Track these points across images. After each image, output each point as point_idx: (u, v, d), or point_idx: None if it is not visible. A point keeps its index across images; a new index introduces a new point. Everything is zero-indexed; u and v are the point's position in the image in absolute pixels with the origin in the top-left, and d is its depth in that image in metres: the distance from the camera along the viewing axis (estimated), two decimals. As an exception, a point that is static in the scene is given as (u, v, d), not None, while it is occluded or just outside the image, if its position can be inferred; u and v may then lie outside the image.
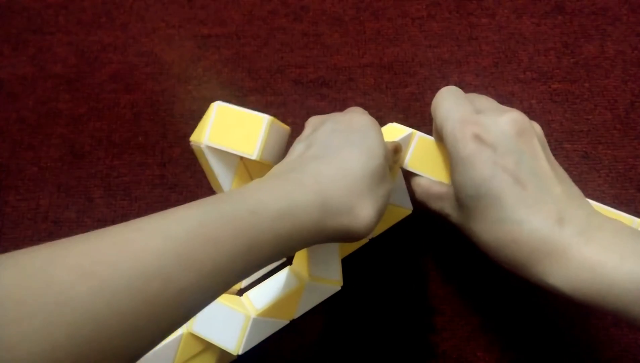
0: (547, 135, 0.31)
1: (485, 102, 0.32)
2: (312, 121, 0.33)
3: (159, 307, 0.18)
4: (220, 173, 0.35)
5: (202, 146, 0.34)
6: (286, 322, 0.33)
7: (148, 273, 0.18)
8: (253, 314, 0.31)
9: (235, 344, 0.31)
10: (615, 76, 0.46)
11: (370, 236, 0.37)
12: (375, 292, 0.40)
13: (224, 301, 0.32)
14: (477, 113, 0.30)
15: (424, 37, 0.48)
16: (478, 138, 0.28)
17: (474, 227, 0.29)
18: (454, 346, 0.39)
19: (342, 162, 0.27)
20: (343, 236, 0.26)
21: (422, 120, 0.45)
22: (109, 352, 0.17)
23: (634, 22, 0.48)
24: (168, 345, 0.32)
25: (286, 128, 0.36)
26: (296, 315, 0.33)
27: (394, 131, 0.35)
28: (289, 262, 0.36)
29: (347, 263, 0.36)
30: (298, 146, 0.30)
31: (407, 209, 0.38)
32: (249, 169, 0.37)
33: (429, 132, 0.35)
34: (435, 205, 0.33)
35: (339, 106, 0.46)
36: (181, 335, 0.32)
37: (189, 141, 0.35)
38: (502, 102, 0.33)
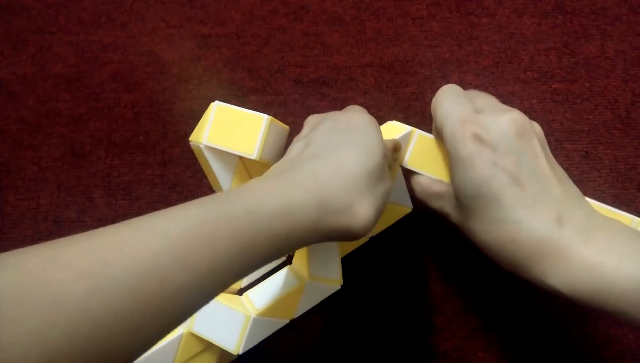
0: (547, 135, 0.31)
1: (486, 100, 0.32)
2: (311, 120, 0.33)
3: (156, 306, 0.18)
4: (219, 173, 0.35)
5: (202, 145, 0.34)
6: (286, 321, 0.33)
7: (145, 272, 0.18)
8: (253, 313, 0.31)
9: (235, 344, 0.31)
10: (615, 75, 0.46)
11: (370, 235, 0.37)
12: (375, 292, 0.40)
13: (224, 300, 0.32)
14: (478, 112, 0.30)
15: (425, 37, 0.48)
16: (478, 138, 0.28)
17: (473, 227, 0.29)
18: (454, 346, 0.39)
19: (340, 161, 0.27)
20: (341, 235, 0.26)
21: (423, 120, 0.45)
22: (106, 352, 0.17)
23: (634, 21, 0.48)
24: (168, 345, 0.32)
25: (285, 128, 0.36)
26: (296, 315, 0.33)
27: (394, 129, 0.35)
28: (289, 261, 0.36)
29: (347, 263, 0.36)
30: (296, 145, 0.30)
31: (407, 207, 0.38)
32: (249, 169, 0.37)
33: (429, 132, 0.35)
34: (435, 204, 0.33)
35: (340, 105, 0.46)
36: (181, 335, 0.32)
37: (189, 141, 0.35)
38: (502, 102, 0.33)
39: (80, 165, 0.44)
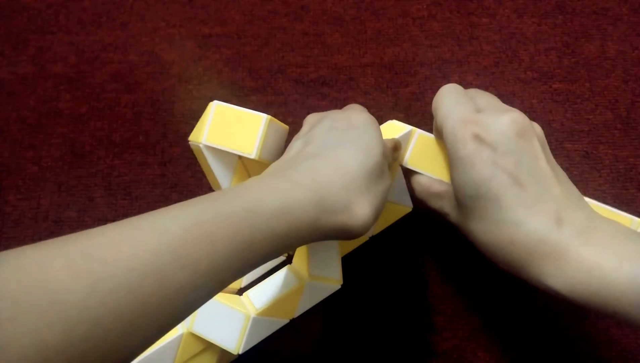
0: (548, 135, 0.31)
1: (487, 98, 0.32)
2: (310, 119, 0.33)
3: (155, 306, 0.18)
4: (219, 172, 0.35)
5: (201, 145, 0.34)
6: (286, 321, 0.33)
7: (143, 271, 0.18)
8: (253, 313, 0.31)
9: (235, 343, 0.31)
10: (616, 75, 0.46)
11: (369, 234, 0.37)
12: (375, 292, 0.40)
13: (224, 300, 0.32)
14: (478, 112, 0.30)
15: (425, 37, 0.48)
16: (478, 138, 0.28)
17: (473, 227, 0.29)
18: (454, 346, 0.39)
19: (339, 160, 0.27)
20: (340, 233, 0.26)
21: (423, 120, 0.45)
22: (104, 351, 0.17)
23: (635, 21, 0.48)
24: (168, 345, 0.32)
25: (284, 127, 0.36)
26: (296, 314, 0.33)
27: (394, 129, 0.35)
28: (288, 261, 0.36)
29: (347, 262, 0.36)
30: (295, 144, 0.30)
31: (407, 207, 0.38)
32: (248, 168, 0.37)
33: (430, 132, 0.35)
34: (435, 204, 0.33)
35: (340, 105, 0.46)
36: (181, 335, 0.32)
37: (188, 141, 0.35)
38: (503, 102, 0.32)
39: (81, 165, 0.44)
